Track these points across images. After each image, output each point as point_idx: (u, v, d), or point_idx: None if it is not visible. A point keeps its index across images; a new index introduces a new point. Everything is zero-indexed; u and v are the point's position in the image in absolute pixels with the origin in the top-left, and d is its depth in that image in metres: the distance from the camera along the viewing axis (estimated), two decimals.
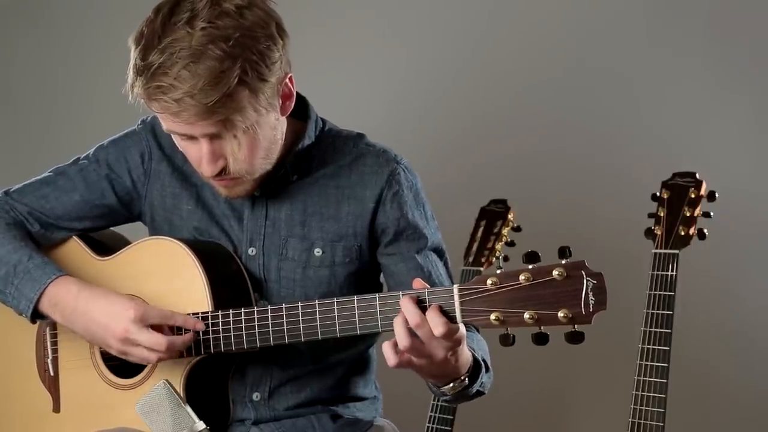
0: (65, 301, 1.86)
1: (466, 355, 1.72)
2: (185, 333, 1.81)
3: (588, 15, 3.05)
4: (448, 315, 1.63)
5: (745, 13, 2.92)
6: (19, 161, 3.49)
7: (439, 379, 1.74)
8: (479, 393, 1.83)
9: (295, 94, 1.84)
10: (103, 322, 1.81)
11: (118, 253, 1.96)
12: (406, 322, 1.63)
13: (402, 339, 1.63)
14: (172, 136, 1.83)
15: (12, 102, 3.56)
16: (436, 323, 1.61)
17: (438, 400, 2.53)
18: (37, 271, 1.88)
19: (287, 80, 1.80)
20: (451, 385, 1.74)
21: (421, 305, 1.64)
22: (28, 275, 1.88)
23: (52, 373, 2.01)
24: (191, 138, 1.78)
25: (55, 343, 2.00)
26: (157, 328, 1.80)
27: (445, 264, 1.99)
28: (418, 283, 1.68)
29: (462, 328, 1.66)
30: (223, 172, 1.80)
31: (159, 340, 1.78)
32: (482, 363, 1.79)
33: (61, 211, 1.99)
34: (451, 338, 1.64)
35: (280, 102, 1.81)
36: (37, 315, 1.89)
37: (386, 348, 1.65)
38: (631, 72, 3.01)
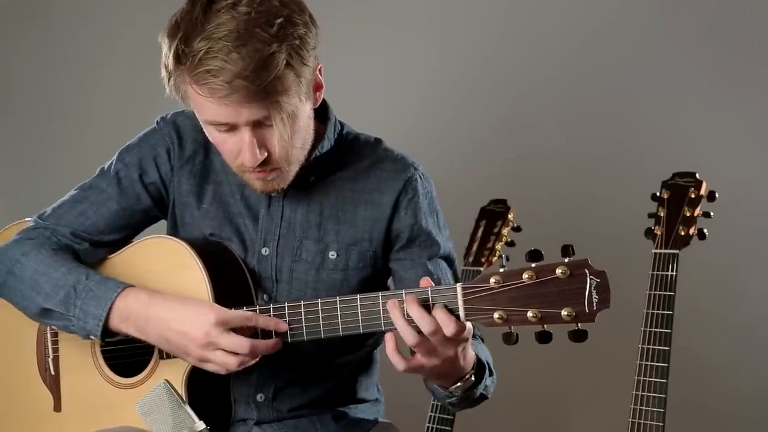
0: (137, 312, 1.79)
1: (471, 353, 1.74)
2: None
3: (588, 15, 3.06)
4: (453, 314, 1.63)
5: (745, 13, 2.92)
6: (19, 161, 3.49)
7: (446, 380, 1.75)
8: (483, 397, 1.84)
9: (323, 85, 1.84)
10: (182, 328, 1.75)
11: (120, 251, 1.96)
12: (407, 319, 1.64)
13: (409, 337, 1.64)
14: (207, 129, 1.81)
15: (12, 102, 3.56)
16: (446, 323, 1.62)
17: (437, 411, 2.52)
18: (100, 288, 1.82)
19: (318, 71, 1.80)
20: (459, 384, 1.75)
21: (425, 305, 1.65)
22: (90, 293, 1.81)
23: (53, 372, 2.00)
24: (232, 129, 1.75)
25: (55, 342, 2.00)
26: (238, 331, 1.75)
27: (455, 273, 1.99)
28: (425, 282, 1.68)
29: (469, 324, 1.66)
30: (263, 163, 1.77)
31: (242, 343, 1.73)
32: (486, 365, 1.80)
33: (103, 225, 1.95)
34: (461, 335, 1.64)
35: (313, 92, 1.81)
36: (106, 333, 1.82)
37: (391, 353, 1.65)
38: (631, 72, 3.01)
